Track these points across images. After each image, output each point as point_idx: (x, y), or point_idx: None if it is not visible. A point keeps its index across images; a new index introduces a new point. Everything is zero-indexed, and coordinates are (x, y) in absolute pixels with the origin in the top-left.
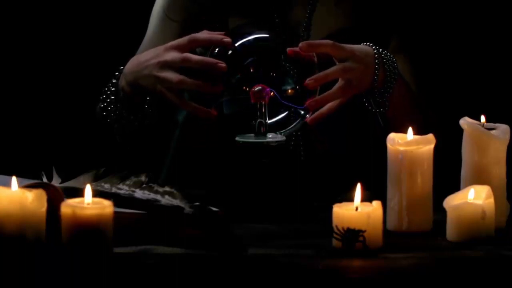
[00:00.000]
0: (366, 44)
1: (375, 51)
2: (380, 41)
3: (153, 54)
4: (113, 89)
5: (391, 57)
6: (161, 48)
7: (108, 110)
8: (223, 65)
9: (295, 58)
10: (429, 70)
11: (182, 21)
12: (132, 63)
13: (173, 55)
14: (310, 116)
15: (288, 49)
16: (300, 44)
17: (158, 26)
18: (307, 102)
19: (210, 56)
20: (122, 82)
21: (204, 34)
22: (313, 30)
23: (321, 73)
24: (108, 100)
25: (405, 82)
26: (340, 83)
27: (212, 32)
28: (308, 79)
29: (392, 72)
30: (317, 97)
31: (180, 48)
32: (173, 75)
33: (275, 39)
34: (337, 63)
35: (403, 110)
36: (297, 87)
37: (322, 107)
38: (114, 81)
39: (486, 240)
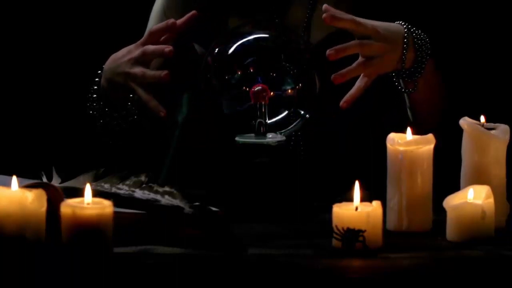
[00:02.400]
0: (398, 23)
1: (406, 30)
2: None
3: (126, 51)
4: (95, 87)
5: (425, 37)
6: (133, 45)
7: (93, 108)
8: (169, 49)
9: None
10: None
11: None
12: (109, 61)
13: (139, 51)
14: (343, 100)
15: (329, 51)
16: (324, 15)
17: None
18: (332, 76)
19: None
20: (102, 80)
21: (151, 47)
22: (313, 30)
23: (341, 45)
24: (92, 98)
25: (433, 66)
26: (360, 59)
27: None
28: (328, 50)
29: (424, 52)
30: (341, 71)
31: (145, 43)
32: (138, 69)
33: (275, 39)
34: (356, 39)
35: (433, 94)
36: (297, 86)
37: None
38: (97, 79)
39: (486, 240)
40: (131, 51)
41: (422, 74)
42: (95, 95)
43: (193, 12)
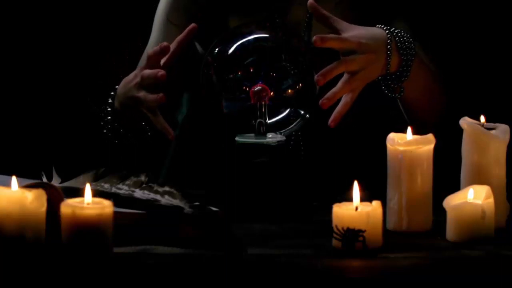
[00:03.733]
0: (379, 27)
1: (388, 35)
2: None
3: (133, 76)
4: (109, 109)
5: (408, 38)
6: (138, 69)
7: (107, 129)
8: (161, 73)
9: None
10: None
11: (184, 25)
12: (121, 84)
13: (139, 76)
14: (330, 119)
15: (317, 77)
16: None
17: (160, 31)
18: (320, 102)
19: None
20: (116, 103)
21: (147, 71)
22: (313, 30)
23: (326, 69)
24: (106, 120)
25: (424, 62)
26: (344, 77)
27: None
28: (316, 76)
29: (409, 55)
30: (327, 94)
31: (145, 67)
32: (142, 93)
33: (275, 39)
34: (340, 56)
35: (423, 95)
36: (297, 86)
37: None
38: (110, 101)
39: (486, 240)
40: (136, 75)
41: (409, 76)
42: (109, 117)
43: (193, 25)
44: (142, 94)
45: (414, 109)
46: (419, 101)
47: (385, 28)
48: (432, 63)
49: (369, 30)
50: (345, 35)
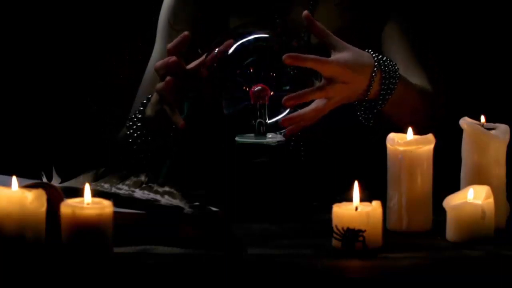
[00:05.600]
0: (369, 52)
1: (376, 63)
2: (380, 41)
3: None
4: (139, 116)
5: (393, 67)
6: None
7: (134, 137)
8: (172, 59)
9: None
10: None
11: (186, 29)
12: (150, 108)
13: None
14: (287, 129)
15: (287, 56)
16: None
17: (164, 37)
18: (282, 120)
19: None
20: (148, 111)
21: (159, 62)
22: None
23: (300, 92)
24: (134, 127)
25: (410, 85)
26: (318, 102)
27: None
28: (285, 97)
29: (390, 84)
30: (292, 114)
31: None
32: (159, 85)
33: (275, 39)
34: (322, 79)
35: (410, 113)
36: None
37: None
38: (141, 108)
39: (485, 240)
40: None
41: (383, 107)
42: (138, 124)
43: (185, 33)
44: (159, 85)
45: (401, 125)
46: (406, 120)
47: (374, 55)
48: (422, 79)
49: (359, 56)
50: (333, 56)
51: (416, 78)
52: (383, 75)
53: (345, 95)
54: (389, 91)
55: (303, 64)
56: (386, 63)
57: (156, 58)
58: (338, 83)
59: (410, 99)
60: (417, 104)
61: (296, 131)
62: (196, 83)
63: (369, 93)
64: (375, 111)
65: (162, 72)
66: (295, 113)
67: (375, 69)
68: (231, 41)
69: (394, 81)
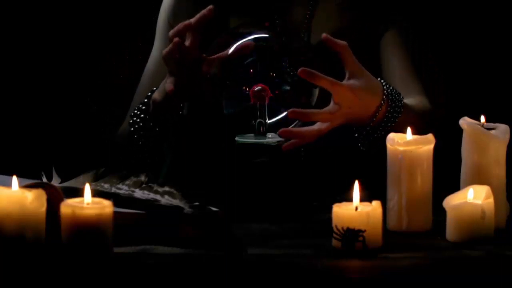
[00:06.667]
0: (380, 81)
1: (384, 96)
2: (379, 41)
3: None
4: (143, 108)
5: (399, 98)
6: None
7: (138, 132)
8: (176, 39)
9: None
10: (427, 69)
11: None
12: (158, 89)
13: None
14: (285, 144)
15: (303, 70)
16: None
17: (163, 36)
18: (280, 130)
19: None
20: (156, 96)
21: (165, 49)
22: (313, 31)
23: (307, 112)
24: (138, 120)
25: (409, 113)
26: (321, 124)
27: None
28: (291, 110)
29: (394, 113)
30: (292, 129)
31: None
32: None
33: (275, 39)
34: (331, 101)
35: (400, 130)
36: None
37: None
38: (145, 100)
39: (486, 240)
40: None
41: (380, 137)
42: (142, 116)
43: (210, 7)
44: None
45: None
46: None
47: (384, 86)
48: (421, 94)
49: (371, 85)
50: (347, 81)
51: (414, 93)
52: (389, 109)
53: (349, 120)
54: (392, 119)
55: (317, 82)
56: (393, 94)
57: (155, 56)
58: (345, 108)
59: (409, 122)
60: (416, 124)
61: (292, 148)
62: (197, 64)
63: (374, 119)
64: (373, 137)
65: (169, 57)
66: (296, 129)
67: (382, 102)
68: (251, 43)
69: (398, 110)
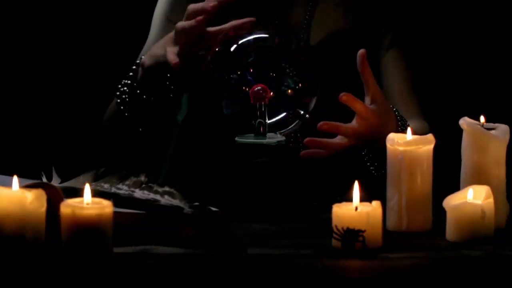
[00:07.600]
0: (394, 111)
1: (398, 117)
2: (379, 41)
3: (164, 40)
4: (128, 82)
5: (405, 124)
6: (166, 37)
7: (125, 101)
8: (199, 18)
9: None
10: (427, 69)
11: None
12: (149, 52)
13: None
14: (305, 150)
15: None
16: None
17: (160, 29)
18: (306, 140)
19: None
20: (146, 60)
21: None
22: (312, 31)
23: (335, 124)
24: (126, 90)
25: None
26: (342, 138)
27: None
28: (322, 123)
29: None
30: (320, 139)
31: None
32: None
33: (275, 39)
34: (354, 118)
35: None
36: (296, 87)
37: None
38: (131, 74)
39: (485, 240)
40: (169, 38)
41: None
42: (129, 84)
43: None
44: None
45: None
46: None
47: (398, 116)
48: (418, 115)
49: (388, 109)
50: (374, 106)
51: (411, 113)
52: (399, 128)
53: (364, 139)
54: None
55: (353, 104)
56: (402, 122)
57: (149, 46)
58: (365, 128)
59: None
60: None
61: (310, 156)
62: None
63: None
64: (382, 160)
65: (184, 32)
66: (324, 139)
67: (399, 122)
68: (252, 20)
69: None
